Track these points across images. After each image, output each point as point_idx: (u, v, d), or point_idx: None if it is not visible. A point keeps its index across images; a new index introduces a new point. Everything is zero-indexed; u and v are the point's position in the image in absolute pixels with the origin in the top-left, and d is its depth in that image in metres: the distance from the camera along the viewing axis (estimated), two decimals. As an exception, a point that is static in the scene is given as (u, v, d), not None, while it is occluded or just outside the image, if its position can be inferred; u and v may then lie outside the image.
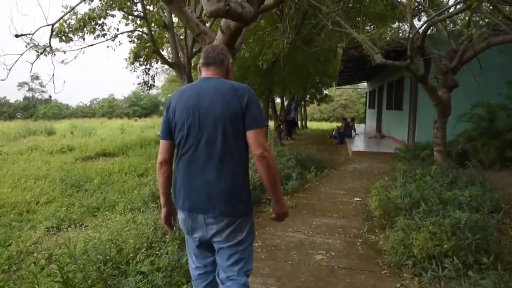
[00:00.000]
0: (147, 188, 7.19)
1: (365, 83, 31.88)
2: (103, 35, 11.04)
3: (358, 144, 15.58)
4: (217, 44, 2.93)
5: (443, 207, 5.11)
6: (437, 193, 5.80)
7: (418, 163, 8.58)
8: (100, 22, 10.95)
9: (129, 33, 12.25)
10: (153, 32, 11.88)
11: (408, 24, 8.89)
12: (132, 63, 12.41)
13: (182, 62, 10.55)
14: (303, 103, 29.66)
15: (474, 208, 5.25)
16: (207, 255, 2.61)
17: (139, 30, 12.20)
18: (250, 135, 2.32)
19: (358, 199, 6.92)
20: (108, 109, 67.39)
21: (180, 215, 2.53)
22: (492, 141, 10.14)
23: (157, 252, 4.29)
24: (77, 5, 9.92)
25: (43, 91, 71.30)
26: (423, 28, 7.29)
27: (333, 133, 19.28)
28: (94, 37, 11.30)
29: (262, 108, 2.98)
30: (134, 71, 12.53)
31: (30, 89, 71.44)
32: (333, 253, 4.47)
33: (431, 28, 8.59)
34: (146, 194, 7.03)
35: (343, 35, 8.99)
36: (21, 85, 69.61)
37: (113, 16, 11.30)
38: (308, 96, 27.80)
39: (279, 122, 16.98)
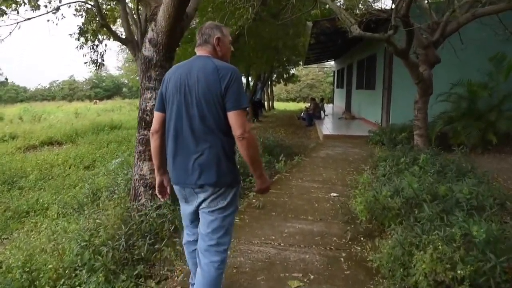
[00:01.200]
0: (87, 186, 6.01)
1: (333, 62, 31.05)
2: (36, 8, 9.58)
3: (328, 126, 14.66)
4: (207, 23, 2.75)
5: (442, 209, 4.19)
6: (430, 188, 4.88)
7: (399, 150, 7.67)
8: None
9: (72, 4, 10.83)
10: (102, 4, 10.52)
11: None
12: (78, 39, 10.98)
13: (135, 38, 9.32)
14: (269, 83, 28.55)
15: (476, 208, 4.37)
16: (197, 224, 2.71)
17: (84, 1, 10.78)
18: (230, 116, 2.37)
19: (335, 194, 5.94)
20: (69, 91, 64.63)
21: (174, 186, 2.67)
22: (474, 123, 9.37)
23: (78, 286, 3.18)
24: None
25: (-1, 74, 67.72)
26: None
27: (302, 114, 18.33)
28: (32, 9, 9.87)
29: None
30: (81, 48, 11.10)
31: (-15, 72, 67.48)
32: (312, 276, 3.45)
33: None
34: (86, 193, 5.87)
35: (315, 3, 7.90)
36: (-25, 67, 65.77)
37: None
38: (275, 75, 26.74)
39: (245, 104, 15.86)
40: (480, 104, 9.98)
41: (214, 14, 8.53)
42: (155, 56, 4.99)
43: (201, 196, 2.52)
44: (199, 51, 2.59)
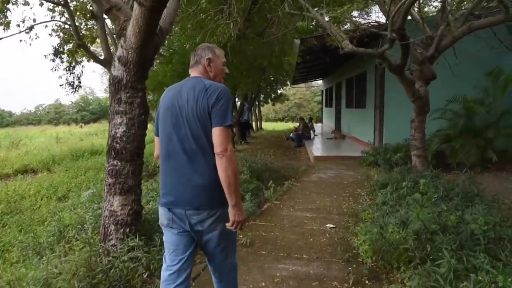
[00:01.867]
0: (54, 223, 5.32)
1: (320, 81, 30.74)
2: (7, 27, 9.00)
3: (318, 146, 14.13)
4: (201, 44, 2.73)
5: (458, 244, 3.62)
6: (438, 218, 4.32)
7: (397, 172, 7.12)
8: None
9: (49, 24, 10.26)
10: (81, 24, 9.96)
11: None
12: (53, 60, 10.37)
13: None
14: (257, 103, 28.07)
15: (494, 241, 3.81)
16: (186, 246, 2.56)
17: (60, 21, 10.21)
18: (213, 132, 2.34)
19: (331, 225, 5.33)
20: (55, 115, 63.59)
21: (160, 210, 2.59)
22: (472, 140, 8.89)
23: None
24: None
25: (-18, 98, 66.99)
26: (406, 3, 5.80)
27: (290, 135, 17.79)
28: (4, 28, 9.29)
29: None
30: (56, 70, 10.48)
31: (-32, 95, 66.70)
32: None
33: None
34: (52, 231, 5.18)
35: (303, 17, 7.40)
36: (-42, 91, 64.97)
37: (26, 3, 9.31)
38: (263, 95, 26.28)
39: (231, 125, 15.23)
40: (477, 120, 9.54)
41: (195, 32, 7.97)
42: (125, 76, 4.41)
43: (194, 218, 2.44)
44: (192, 72, 2.62)
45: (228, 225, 2.40)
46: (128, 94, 4.44)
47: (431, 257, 3.52)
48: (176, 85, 2.61)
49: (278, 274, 3.85)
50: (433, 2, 9.56)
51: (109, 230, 4.47)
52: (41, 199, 8.07)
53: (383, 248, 3.78)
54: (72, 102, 66.68)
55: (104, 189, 4.58)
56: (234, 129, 15.71)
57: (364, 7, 9.41)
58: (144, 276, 3.88)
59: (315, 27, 15.68)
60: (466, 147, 8.82)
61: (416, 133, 7.87)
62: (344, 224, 5.33)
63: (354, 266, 3.98)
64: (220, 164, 2.30)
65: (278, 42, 9.80)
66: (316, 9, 7.45)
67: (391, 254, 3.74)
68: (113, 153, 4.45)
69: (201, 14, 7.24)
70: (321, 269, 3.96)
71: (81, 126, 44.01)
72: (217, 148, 2.31)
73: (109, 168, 4.47)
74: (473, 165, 8.72)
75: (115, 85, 4.44)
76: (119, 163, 4.44)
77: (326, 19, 7.36)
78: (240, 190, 2.58)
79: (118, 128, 4.45)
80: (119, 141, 4.43)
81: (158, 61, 11.50)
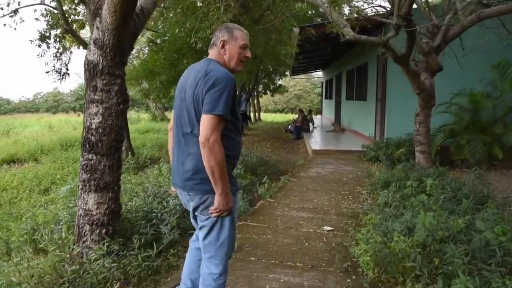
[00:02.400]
0: (28, 221, 4.87)
1: (321, 72, 30.22)
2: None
3: (317, 140, 13.68)
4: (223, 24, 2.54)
5: (470, 256, 3.20)
6: (447, 223, 3.88)
7: (400, 169, 6.68)
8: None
9: (38, 8, 9.76)
10: (67, 8, 9.48)
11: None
12: (39, 46, 9.86)
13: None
14: (255, 94, 27.57)
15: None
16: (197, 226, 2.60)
17: (48, 5, 9.69)
18: (202, 119, 2.24)
19: (329, 228, 4.89)
20: (53, 103, 63.02)
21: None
22: (478, 136, 8.47)
23: None
24: None
25: (-20, 85, 66.76)
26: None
27: (289, 127, 17.34)
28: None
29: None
30: (42, 56, 9.97)
31: (-34, 82, 66.36)
32: None
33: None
34: (25, 229, 4.73)
35: (304, 5, 6.93)
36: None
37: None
38: (261, 86, 25.81)
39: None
40: (484, 115, 9.12)
41: (185, 17, 7.47)
42: (101, 60, 3.95)
43: (191, 204, 2.46)
44: (209, 54, 2.54)
45: (211, 208, 2.35)
46: (104, 81, 3.98)
47: (440, 271, 3.10)
48: (192, 65, 2.59)
49: (267, 287, 3.41)
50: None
51: (84, 231, 4.05)
52: (23, 192, 7.63)
53: (386, 259, 3.34)
54: (71, 90, 66.19)
55: (79, 186, 4.15)
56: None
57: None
58: (116, 286, 3.45)
59: (314, 15, 15.21)
60: (471, 143, 8.42)
61: (420, 128, 7.42)
62: (343, 227, 4.89)
63: (354, 278, 3.55)
64: (203, 154, 2.23)
65: (275, 30, 9.29)
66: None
67: (395, 266, 3.31)
68: (87, 146, 4.01)
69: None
70: (316, 280, 3.52)
71: (79, 115, 43.65)
72: (200, 137, 2.22)
73: (84, 162, 4.03)
74: (478, 162, 8.30)
75: (90, 70, 3.98)
76: (94, 157, 4.01)
77: (326, 5, 6.85)
78: (227, 178, 2.30)
79: (94, 119, 4.01)
80: (94, 132, 3.99)
81: (147, 48, 11.03)
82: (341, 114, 18.48)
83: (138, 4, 4.18)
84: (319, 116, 28.90)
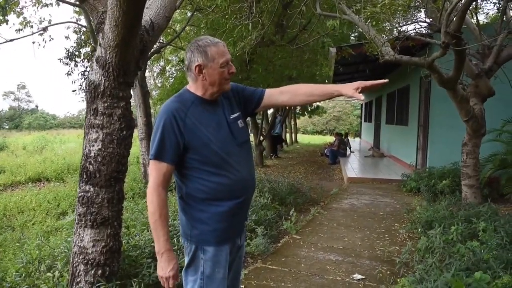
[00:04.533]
0: (22, 255, 4.38)
1: (360, 94, 29.45)
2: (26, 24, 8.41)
3: (354, 166, 12.93)
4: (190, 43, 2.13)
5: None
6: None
7: (444, 206, 5.94)
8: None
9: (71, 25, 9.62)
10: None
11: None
12: (67, 64, 9.68)
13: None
14: (293, 115, 27.01)
15: None
16: None
17: (75, 22, 9.54)
18: None
19: (360, 276, 4.21)
20: (96, 119, 64.78)
21: None
22: (532, 168, 7.60)
23: None
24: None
25: (29, 101, 69.91)
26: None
27: (325, 150, 16.64)
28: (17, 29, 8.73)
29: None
30: (69, 74, 9.78)
31: (16, 99, 69.71)
32: None
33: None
34: (21, 263, 4.26)
35: (337, 22, 6.36)
36: (6, 94, 68.59)
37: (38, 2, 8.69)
38: (299, 108, 25.24)
39: (261, 138, 14.20)
40: (540, 145, 8.22)
41: (208, 32, 7.04)
42: (103, 81, 3.52)
43: None
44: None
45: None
46: (106, 104, 3.54)
47: None
48: None
49: None
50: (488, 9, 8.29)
51: (78, 271, 3.58)
52: (40, 214, 7.29)
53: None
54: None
55: (75, 219, 3.70)
56: (263, 142, 14.67)
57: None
58: None
59: (355, 35, 14.64)
60: (525, 176, 7.57)
61: (468, 159, 6.66)
62: (376, 275, 4.21)
63: None
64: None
65: (309, 50, 8.75)
66: (352, 9, 6.38)
67: None
68: (85, 176, 3.55)
69: (215, 12, 6.27)
70: None
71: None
72: None
73: (80, 194, 3.57)
74: (532, 197, 7.46)
75: (91, 92, 3.55)
76: (91, 189, 3.55)
77: (363, 21, 6.25)
78: (163, 237, 2.00)
79: (93, 146, 3.56)
80: (92, 161, 3.54)
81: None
82: (381, 138, 17.66)
83: (148, 18, 3.75)
84: (357, 139, 28.02)
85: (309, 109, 25.55)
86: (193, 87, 2.12)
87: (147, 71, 15.60)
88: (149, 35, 3.79)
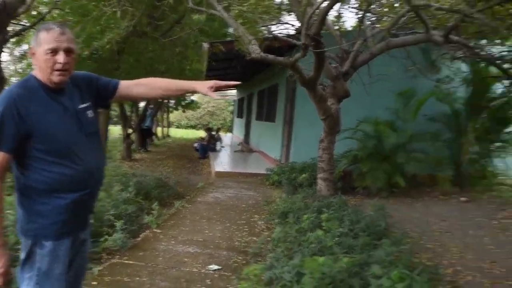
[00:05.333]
0: None
1: (234, 91, 30.03)
2: None
3: (223, 160, 13.17)
4: None
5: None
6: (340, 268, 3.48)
7: (300, 198, 6.31)
8: None
9: None
10: None
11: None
12: None
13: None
14: (166, 109, 26.61)
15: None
16: None
17: None
18: None
19: (216, 267, 4.28)
20: None
21: None
22: (381, 164, 8.41)
23: None
24: None
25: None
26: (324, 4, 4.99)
27: (195, 145, 16.68)
28: None
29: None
30: None
31: None
32: None
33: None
34: None
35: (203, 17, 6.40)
36: None
37: None
38: (173, 101, 24.91)
39: (129, 131, 13.74)
40: (387, 143, 9.10)
41: (75, 17, 6.62)
42: None
43: None
44: None
45: None
46: None
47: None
48: None
49: None
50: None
51: None
52: None
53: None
54: None
55: None
56: (131, 136, 14.25)
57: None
58: None
59: (224, 32, 14.83)
60: (374, 171, 8.34)
61: (324, 154, 7.16)
62: (232, 265, 4.32)
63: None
64: None
65: (180, 45, 8.68)
66: (223, 5, 6.44)
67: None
68: None
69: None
70: None
71: None
72: None
73: None
74: (379, 190, 8.27)
75: None
76: None
77: (232, 18, 6.36)
78: None
79: None
80: None
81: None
82: (251, 134, 18.20)
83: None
84: (230, 135, 28.56)
85: (183, 103, 25.36)
86: (37, 72, 2.00)
87: (7, 55, 14.22)
88: (1, 15, 3.46)
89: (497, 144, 10.08)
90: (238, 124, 25.54)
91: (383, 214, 5.71)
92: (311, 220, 4.94)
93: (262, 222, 6.01)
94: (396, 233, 5.15)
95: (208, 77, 15.91)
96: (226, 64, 14.87)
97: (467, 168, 9.73)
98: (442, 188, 9.16)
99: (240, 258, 4.54)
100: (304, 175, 8.21)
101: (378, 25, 8.33)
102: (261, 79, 15.92)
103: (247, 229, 5.71)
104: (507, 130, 10.03)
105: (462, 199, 8.58)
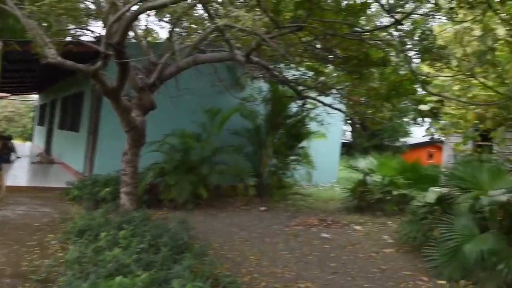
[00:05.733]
0: None
1: (37, 95, 27.46)
2: None
3: (16, 173, 11.84)
4: None
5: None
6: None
7: (101, 213, 6.00)
8: None
9: None
10: None
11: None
12: None
13: None
14: None
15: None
16: None
17: None
18: None
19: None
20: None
21: None
22: (186, 176, 8.61)
23: None
24: None
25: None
26: (128, 13, 4.82)
27: (-15, 156, 14.66)
28: None
29: None
30: None
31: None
32: None
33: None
34: None
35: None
36: None
37: None
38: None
39: None
40: (193, 155, 9.33)
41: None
42: None
43: None
44: None
45: None
46: None
47: None
48: None
49: None
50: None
51: None
52: None
53: None
54: None
55: None
56: None
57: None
58: None
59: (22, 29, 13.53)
60: (180, 183, 8.47)
61: (127, 168, 6.95)
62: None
63: None
64: None
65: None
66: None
67: None
68: None
69: None
70: None
71: None
72: None
73: None
74: (185, 202, 8.45)
75: None
76: None
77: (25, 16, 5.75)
78: None
79: None
80: None
81: None
82: (52, 144, 16.80)
83: None
84: (29, 143, 25.99)
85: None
86: None
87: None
88: None
89: (292, 157, 11.24)
90: (39, 133, 23.39)
91: (186, 227, 5.76)
92: (110, 237, 4.72)
93: (57, 242, 5.52)
94: (198, 245, 5.23)
95: (4, 79, 14.24)
96: (25, 65, 13.51)
97: (266, 180, 10.58)
98: (243, 198, 9.75)
99: (27, 285, 4.08)
100: (107, 189, 7.85)
101: (187, 40, 8.51)
102: (65, 84, 14.84)
103: (38, 251, 5.17)
104: (301, 145, 11.28)
105: (262, 208, 9.25)
